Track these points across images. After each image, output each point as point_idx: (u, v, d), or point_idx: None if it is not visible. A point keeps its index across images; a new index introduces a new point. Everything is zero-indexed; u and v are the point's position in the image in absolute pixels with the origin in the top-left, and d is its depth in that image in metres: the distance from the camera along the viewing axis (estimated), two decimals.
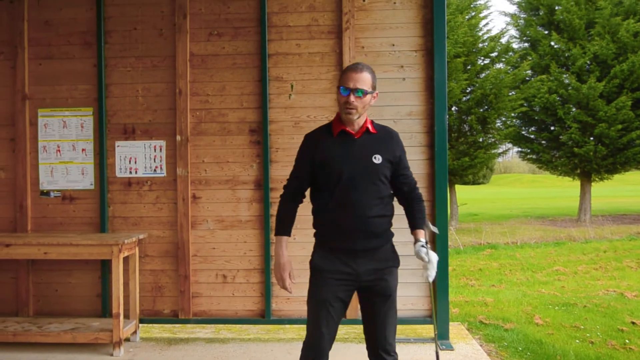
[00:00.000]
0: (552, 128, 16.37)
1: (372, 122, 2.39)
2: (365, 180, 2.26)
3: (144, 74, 4.21)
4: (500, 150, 16.67)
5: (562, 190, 31.85)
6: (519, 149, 17.76)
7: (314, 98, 4.10)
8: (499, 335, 4.32)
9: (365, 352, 2.40)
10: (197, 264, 4.17)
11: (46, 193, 4.27)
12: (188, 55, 4.16)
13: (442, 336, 3.96)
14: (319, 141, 2.35)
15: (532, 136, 16.98)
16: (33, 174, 4.26)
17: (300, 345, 2.39)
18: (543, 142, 16.70)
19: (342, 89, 2.25)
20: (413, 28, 4.07)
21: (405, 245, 4.08)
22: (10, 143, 4.29)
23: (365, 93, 2.24)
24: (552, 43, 15.87)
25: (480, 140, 14.78)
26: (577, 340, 4.27)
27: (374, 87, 2.30)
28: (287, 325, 4.32)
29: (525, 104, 15.45)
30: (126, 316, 4.02)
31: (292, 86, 4.13)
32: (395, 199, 2.44)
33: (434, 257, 2.23)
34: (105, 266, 4.18)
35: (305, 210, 2.50)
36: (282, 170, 4.09)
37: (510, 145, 18.09)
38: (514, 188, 41.39)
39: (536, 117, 16.22)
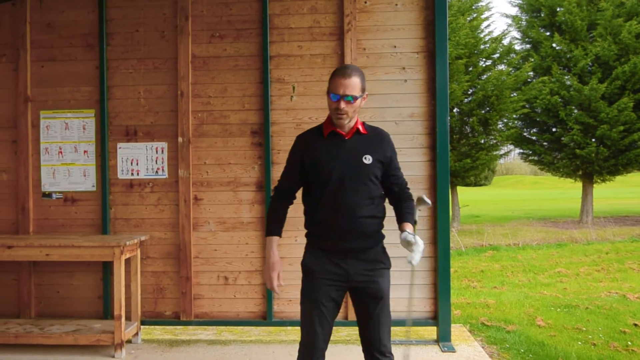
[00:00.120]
0: (553, 129, 16.35)
1: (363, 123, 2.41)
2: (355, 181, 2.27)
3: (145, 76, 4.22)
4: (502, 152, 16.67)
5: (564, 191, 31.80)
6: (521, 151, 17.75)
7: (315, 100, 4.10)
8: (500, 337, 4.31)
9: None
10: (198, 266, 4.17)
11: (48, 195, 4.27)
12: (190, 57, 4.17)
13: (444, 338, 3.96)
14: (310, 142, 2.37)
15: (534, 138, 16.97)
16: (35, 175, 4.27)
17: None
18: (545, 143, 16.68)
19: (331, 95, 2.25)
20: (415, 30, 4.07)
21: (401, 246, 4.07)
22: (12, 145, 4.29)
23: (355, 98, 2.25)
24: (554, 44, 15.86)
25: (482, 141, 14.78)
26: (579, 342, 4.26)
27: (363, 90, 2.30)
28: (289, 327, 4.32)
29: (527, 106, 15.44)
30: (128, 318, 4.02)
31: (293, 88, 4.13)
32: (386, 199, 2.44)
33: (420, 241, 2.21)
34: (106, 268, 4.18)
35: None
36: None
37: (512, 147, 18.09)
38: (516, 189, 41.36)
39: (538, 119, 16.21)
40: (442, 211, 3.97)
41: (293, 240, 3.99)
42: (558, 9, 15.84)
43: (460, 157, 14.41)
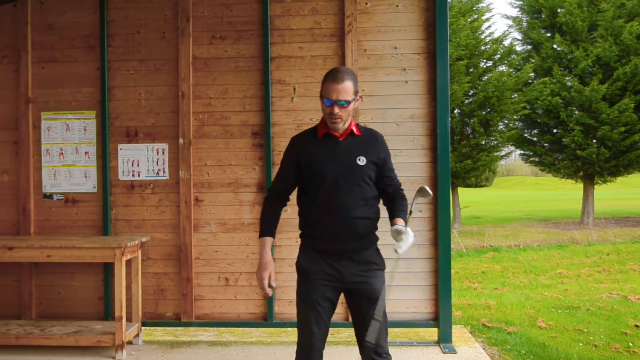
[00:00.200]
0: (554, 130, 16.34)
1: (357, 124, 2.41)
2: (349, 182, 2.28)
3: (146, 77, 4.22)
4: (502, 153, 16.67)
5: (565, 192, 31.78)
6: (522, 152, 17.74)
7: (316, 101, 4.10)
8: (501, 339, 4.30)
9: None
10: (199, 267, 4.17)
11: (49, 196, 4.28)
12: (191, 58, 4.17)
13: (445, 339, 3.95)
14: (304, 144, 2.37)
15: (535, 139, 16.96)
16: (36, 176, 4.28)
17: None
18: (546, 144, 16.67)
19: (325, 100, 2.25)
20: (415, 31, 4.08)
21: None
22: (13, 146, 4.30)
23: (348, 102, 2.24)
24: (555, 46, 15.86)
25: (483, 142, 14.77)
26: (581, 344, 4.25)
27: (356, 93, 2.29)
28: (290, 329, 4.32)
29: (527, 107, 15.43)
30: (129, 319, 4.02)
31: (294, 89, 4.14)
32: (380, 201, 2.45)
33: (411, 233, 2.20)
34: (107, 269, 4.18)
35: None
36: None
37: (512, 148, 18.07)
38: (517, 191, 41.34)
39: (539, 120, 16.20)
40: (442, 212, 3.97)
41: (294, 241, 3.98)
42: (559, 10, 15.83)
43: (461, 158, 14.40)
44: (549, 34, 16.29)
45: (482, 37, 15.31)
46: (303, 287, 2.34)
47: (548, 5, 15.94)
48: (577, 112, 15.44)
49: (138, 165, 4.21)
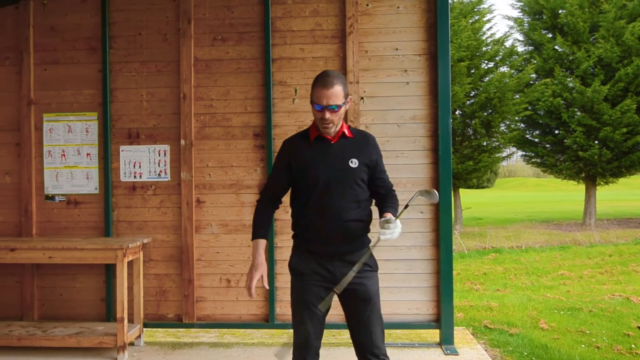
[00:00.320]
0: (556, 132, 16.31)
1: (348, 126, 2.42)
2: (342, 184, 2.29)
3: (148, 79, 4.23)
4: (504, 154, 16.62)
5: (567, 194, 31.73)
6: (524, 153, 17.70)
7: None
8: (504, 340, 4.29)
9: None
10: (201, 268, 4.18)
11: (51, 197, 4.28)
12: (192, 60, 4.18)
13: (446, 341, 3.95)
14: (296, 146, 2.38)
15: (537, 140, 16.93)
16: (38, 178, 4.28)
17: None
18: (547, 145, 16.64)
19: (315, 105, 2.25)
20: (417, 32, 4.08)
21: (405, 249, 4.08)
22: (15, 148, 4.31)
23: (339, 107, 2.24)
24: (556, 47, 15.84)
25: (485, 144, 14.75)
26: (583, 345, 4.24)
27: (346, 96, 2.29)
28: (291, 330, 4.30)
29: (529, 108, 15.41)
30: (130, 320, 4.02)
31: (295, 90, 4.14)
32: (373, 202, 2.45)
33: (400, 225, 2.19)
34: (109, 270, 4.18)
35: None
36: None
37: (514, 149, 18.03)
38: (519, 192, 41.28)
39: (540, 121, 16.17)
40: (444, 213, 3.96)
41: None
42: (560, 11, 15.81)
43: (462, 160, 14.38)
44: (550, 35, 16.27)
45: (484, 38, 15.29)
46: (297, 288, 2.36)
47: (549, 7, 15.93)
48: (578, 113, 15.41)
49: (140, 166, 4.22)
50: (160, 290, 4.20)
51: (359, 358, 2.34)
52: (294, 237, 2.43)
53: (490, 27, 19.39)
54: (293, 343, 2.39)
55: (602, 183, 16.62)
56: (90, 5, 4.26)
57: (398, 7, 4.09)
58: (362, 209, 2.33)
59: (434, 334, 4.18)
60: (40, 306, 4.28)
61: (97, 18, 4.25)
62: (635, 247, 10.98)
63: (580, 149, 15.23)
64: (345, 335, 4.22)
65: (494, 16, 18.57)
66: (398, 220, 2.20)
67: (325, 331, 4.30)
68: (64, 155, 4.28)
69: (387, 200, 2.39)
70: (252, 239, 2.39)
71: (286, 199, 2.48)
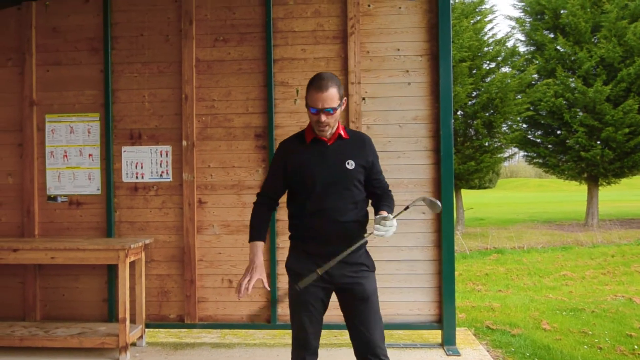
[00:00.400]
0: (558, 132, 16.29)
1: (344, 127, 2.42)
2: (339, 186, 2.30)
3: (150, 80, 4.23)
4: (506, 155, 16.60)
5: (569, 194, 31.67)
6: (525, 153, 17.68)
7: None
8: (506, 341, 4.29)
9: None
10: (203, 269, 4.18)
11: (53, 198, 4.29)
12: (194, 61, 4.18)
13: (448, 342, 3.94)
14: (293, 149, 2.38)
15: (539, 140, 16.90)
16: (40, 179, 4.29)
17: None
18: (549, 146, 16.61)
19: (311, 109, 2.25)
20: (418, 33, 4.08)
21: (407, 250, 4.07)
22: (18, 148, 4.32)
23: (334, 109, 2.25)
24: (558, 47, 15.82)
25: (486, 144, 14.73)
26: (585, 346, 4.23)
27: (341, 98, 2.29)
28: None
29: (531, 108, 15.39)
30: (132, 321, 4.03)
31: (297, 91, 4.14)
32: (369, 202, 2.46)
33: (395, 223, 2.19)
34: (111, 271, 4.19)
35: None
36: None
37: (516, 150, 18.03)
38: (521, 192, 41.22)
39: (542, 121, 16.14)
40: (446, 214, 3.96)
41: None
42: (562, 11, 15.79)
43: (464, 160, 14.37)
44: (552, 35, 16.25)
45: (485, 38, 15.27)
46: (295, 288, 2.35)
47: (551, 7, 15.91)
48: (581, 113, 15.39)
49: (142, 167, 4.23)
50: (162, 290, 4.21)
51: (359, 359, 2.34)
52: (291, 238, 2.44)
53: (492, 28, 19.38)
54: (292, 342, 2.40)
55: (604, 183, 16.59)
56: (92, 6, 4.27)
57: (399, 8, 4.09)
58: (359, 209, 2.34)
59: (436, 335, 4.17)
60: (43, 307, 4.29)
61: (99, 19, 4.26)
62: (638, 247, 10.95)
63: (583, 149, 15.20)
64: (347, 336, 4.21)
65: (496, 16, 18.48)
66: (394, 220, 2.21)
67: (327, 332, 4.32)
68: (66, 156, 4.29)
69: (383, 200, 2.40)
70: (250, 241, 2.40)
71: (283, 199, 2.48)
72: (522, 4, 17.08)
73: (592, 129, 15.16)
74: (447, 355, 3.81)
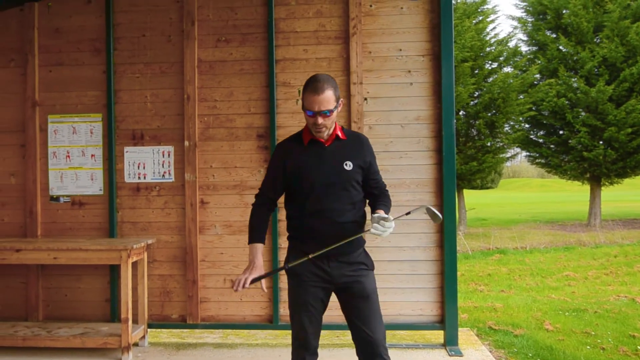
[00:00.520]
0: (560, 132, 16.27)
1: (341, 128, 2.42)
2: (337, 187, 2.30)
3: (152, 80, 4.24)
4: (508, 155, 16.59)
5: (572, 194, 31.60)
6: (528, 153, 17.66)
7: None
8: (508, 341, 4.28)
9: None
10: (205, 269, 4.18)
11: (56, 198, 4.30)
12: (196, 62, 4.18)
13: (451, 342, 3.94)
14: (291, 150, 2.38)
15: (541, 140, 16.88)
16: (43, 179, 4.30)
17: None
18: (552, 146, 16.59)
19: (307, 112, 2.24)
20: (420, 33, 4.07)
21: (409, 250, 4.07)
22: (20, 149, 4.33)
23: (331, 111, 2.24)
24: (560, 47, 15.80)
25: (489, 144, 14.72)
26: (588, 347, 4.22)
27: (337, 99, 2.28)
28: None
29: (533, 108, 15.38)
30: (135, 321, 4.03)
31: (299, 92, 4.14)
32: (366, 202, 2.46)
33: (393, 224, 2.19)
34: (114, 271, 4.19)
35: None
36: None
37: (518, 150, 18.03)
38: (523, 192, 41.16)
39: (545, 121, 16.13)
40: (448, 214, 3.95)
41: None
42: (564, 11, 15.77)
43: (466, 160, 14.36)
44: (554, 35, 16.22)
45: (487, 38, 15.27)
46: (294, 289, 2.38)
47: (553, 7, 15.89)
48: (583, 113, 15.36)
49: (144, 167, 4.23)
50: (165, 291, 4.21)
51: (361, 358, 2.34)
52: (289, 238, 2.44)
53: (494, 28, 19.39)
54: (292, 342, 2.40)
55: (607, 183, 16.56)
56: (94, 7, 4.28)
57: (401, 8, 4.09)
58: (357, 210, 2.35)
59: (438, 335, 4.17)
60: (45, 307, 4.29)
61: (101, 20, 4.27)
62: None
63: (585, 149, 15.17)
64: (348, 336, 4.21)
65: (498, 16, 18.51)
66: (393, 222, 2.21)
67: (329, 332, 4.32)
68: (68, 156, 4.29)
69: (380, 200, 2.40)
70: (250, 243, 2.41)
71: (281, 199, 2.48)
72: (524, 4, 17.06)
73: (594, 129, 15.13)
74: (450, 355, 3.81)
